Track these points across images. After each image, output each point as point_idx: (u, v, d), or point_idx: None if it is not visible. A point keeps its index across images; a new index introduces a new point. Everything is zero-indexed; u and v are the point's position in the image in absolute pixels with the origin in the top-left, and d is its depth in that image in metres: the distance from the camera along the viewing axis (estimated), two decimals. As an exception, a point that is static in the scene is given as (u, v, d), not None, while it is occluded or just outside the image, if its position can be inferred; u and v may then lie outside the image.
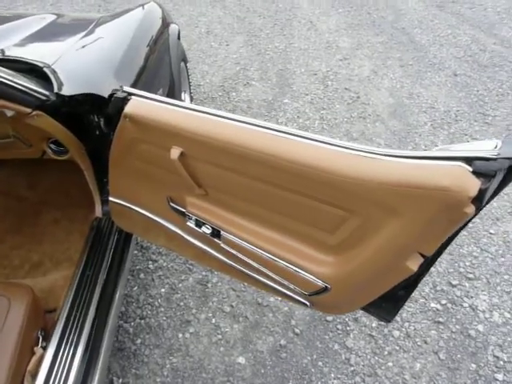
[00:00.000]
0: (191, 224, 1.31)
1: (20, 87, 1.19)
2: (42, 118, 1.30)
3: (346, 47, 4.00)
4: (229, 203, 1.20)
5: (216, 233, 1.26)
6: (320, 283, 1.12)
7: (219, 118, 1.04)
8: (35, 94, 1.24)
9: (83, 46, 1.74)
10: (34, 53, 1.59)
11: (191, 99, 2.92)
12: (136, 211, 1.46)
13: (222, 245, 1.27)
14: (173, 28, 2.34)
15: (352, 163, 0.89)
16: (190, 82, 2.93)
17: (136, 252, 2.02)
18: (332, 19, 4.54)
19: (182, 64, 2.60)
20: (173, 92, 2.14)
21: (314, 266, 1.12)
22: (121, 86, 1.27)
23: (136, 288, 1.87)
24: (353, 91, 3.36)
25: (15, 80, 1.17)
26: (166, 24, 2.27)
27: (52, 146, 1.56)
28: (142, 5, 2.27)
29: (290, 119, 3.03)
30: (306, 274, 1.13)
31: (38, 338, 1.27)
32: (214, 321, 1.74)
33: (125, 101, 1.21)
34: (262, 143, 0.97)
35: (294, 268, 1.14)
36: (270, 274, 1.22)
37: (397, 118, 3.06)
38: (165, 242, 1.52)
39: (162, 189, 1.34)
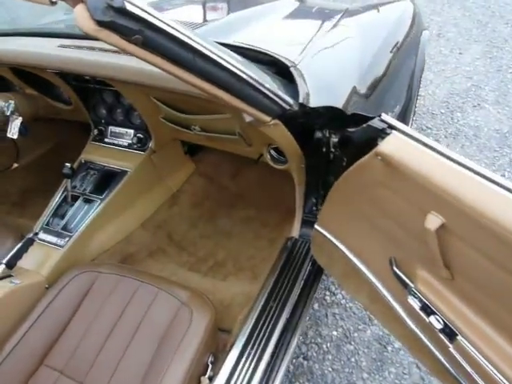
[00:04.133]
0: (414, 303, 1.02)
1: (269, 93, 1.03)
2: (277, 127, 1.14)
3: None
4: (486, 307, 0.87)
5: (449, 332, 0.95)
6: None
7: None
8: (280, 103, 1.07)
9: (328, 44, 1.54)
10: (278, 45, 1.44)
11: (413, 113, 2.54)
12: (341, 252, 1.23)
13: (452, 350, 0.96)
14: (425, 35, 1.99)
15: None
16: (417, 95, 2.56)
17: (314, 275, 1.81)
18: None
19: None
20: (408, 111, 1.82)
21: None
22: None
23: (307, 319, 1.67)
24: None
25: (265, 85, 1.01)
26: (418, 28, 1.93)
27: (272, 152, 1.41)
28: (397, 1, 1.97)
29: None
30: None
31: (207, 366, 1.15)
32: (386, 398, 1.45)
33: (381, 133, 0.96)
34: None
35: None
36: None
37: None
38: (365, 301, 1.26)
39: (389, 246, 1.08)
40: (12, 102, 1.46)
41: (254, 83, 0.97)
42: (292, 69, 1.24)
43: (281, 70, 1.30)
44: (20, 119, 1.45)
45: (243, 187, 1.86)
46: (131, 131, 1.63)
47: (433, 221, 0.85)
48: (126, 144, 1.63)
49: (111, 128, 1.65)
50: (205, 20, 1.69)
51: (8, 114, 1.44)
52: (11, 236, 1.40)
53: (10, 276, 1.26)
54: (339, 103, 1.23)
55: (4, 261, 1.24)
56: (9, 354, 1.13)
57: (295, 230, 1.51)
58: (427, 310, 0.99)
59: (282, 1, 1.99)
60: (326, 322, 1.67)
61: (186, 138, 1.62)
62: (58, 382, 1.09)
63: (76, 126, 1.88)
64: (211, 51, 0.88)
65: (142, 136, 1.60)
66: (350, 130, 1.13)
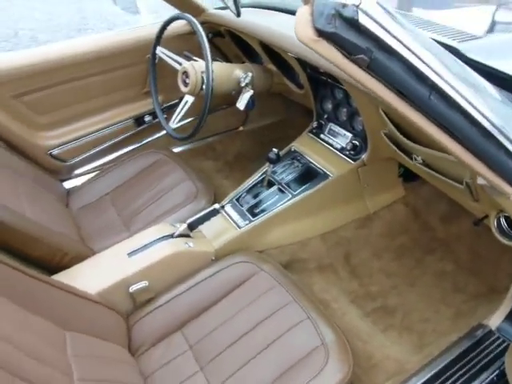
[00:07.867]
0: None
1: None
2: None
3: None
4: None
5: None
6: None
7: None
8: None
9: None
10: None
11: None
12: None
13: None
14: None
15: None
16: None
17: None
18: None
19: None
20: None
21: None
22: None
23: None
24: None
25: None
26: None
27: (502, 221, 1.09)
28: None
29: None
30: None
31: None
32: None
33: None
34: None
35: None
36: None
37: None
38: None
39: None
40: (250, 74, 1.49)
41: (507, 146, 0.70)
42: None
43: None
44: (251, 93, 1.48)
45: (452, 236, 1.53)
46: (349, 135, 1.49)
47: None
48: (338, 146, 1.51)
49: (331, 125, 1.55)
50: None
51: (243, 85, 1.48)
52: (206, 198, 1.48)
53: (188, 236, 1.33)
54: None
55: (188, 221, 1.32)
56: (161, 305, 1.21)
57: (494, 320, 1.18)
58: None
59: None
60: None
61: (405, 163, 1.40)
62: (184, 356, 1.11)
63: (302, 109, 1.85)
64: (456, 90, 0.65)
65: (358, 144, 1.45)
66: None
